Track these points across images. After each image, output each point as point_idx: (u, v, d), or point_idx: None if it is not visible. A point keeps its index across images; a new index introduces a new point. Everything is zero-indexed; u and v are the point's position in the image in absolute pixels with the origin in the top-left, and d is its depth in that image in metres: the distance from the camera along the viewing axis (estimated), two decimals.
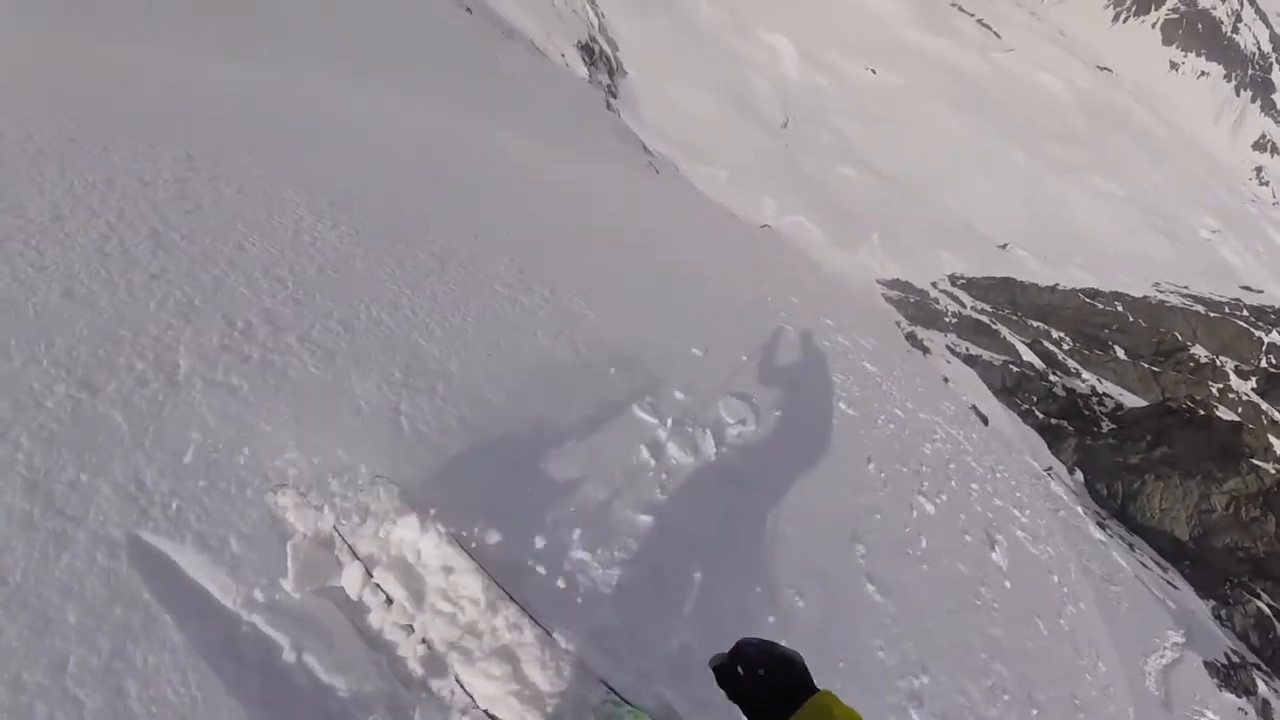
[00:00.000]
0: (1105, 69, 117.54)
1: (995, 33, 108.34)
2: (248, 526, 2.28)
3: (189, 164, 4.19)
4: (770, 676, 1.36)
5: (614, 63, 53.95)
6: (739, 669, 1.40)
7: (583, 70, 41.40)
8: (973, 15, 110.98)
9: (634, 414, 4.10)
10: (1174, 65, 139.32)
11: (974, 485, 7.36)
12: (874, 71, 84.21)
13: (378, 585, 2.31)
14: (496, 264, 4.95)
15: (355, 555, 2.35)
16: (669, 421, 4.18)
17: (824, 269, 29.11)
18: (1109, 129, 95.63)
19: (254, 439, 2.56)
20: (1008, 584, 5.76)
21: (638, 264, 7.58)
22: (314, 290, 3.50)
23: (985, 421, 16.23)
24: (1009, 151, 79.20)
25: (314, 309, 3.36)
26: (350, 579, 2.31)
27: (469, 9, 25.05)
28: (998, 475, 8.73)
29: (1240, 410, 28.15)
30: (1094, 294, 45.67)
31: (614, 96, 46.38)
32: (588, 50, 46.24)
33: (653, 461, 3.84)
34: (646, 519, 3.40)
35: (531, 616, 2.40)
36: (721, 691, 1.45)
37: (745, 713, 1.38)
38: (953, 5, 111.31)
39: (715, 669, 1.45)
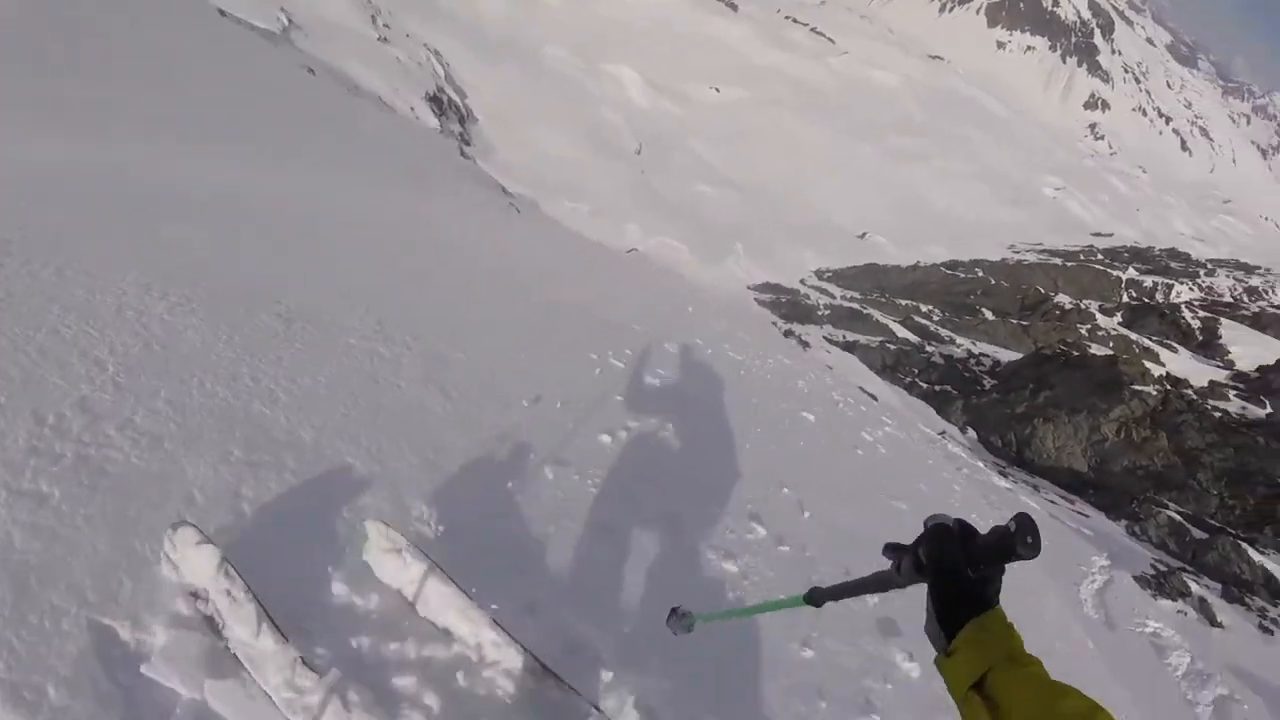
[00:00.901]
0: (937, 58, 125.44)
1: (829, 39, 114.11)
2: (67, 667, 1.85)
3: (3, 251, 3.70)
4: (990, 573, 1.21)
5: (464, 110, 53.82)
6: (965, 545, 1.22)
7: (433, 121, 41.08)
8: (806, 25, 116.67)
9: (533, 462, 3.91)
10: (1001, 45, 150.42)
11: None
12: (718, 90, 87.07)
13: (273, 623, 2.07)
14: (350, 318, 4.60)
15: (252, 595, 2.11)
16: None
17: (695, 281, 29.59)
18: (947, 113, 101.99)
19: (69, 554, 2.16)
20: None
21: (513, 299, 7.44)
22: (138, 370, 3.08)
23: (874, 399, 16.63)
24: (856, 148, 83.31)
25: (138, 390, 2.95)
26: (244, 618, 2.06)
27: (311, 70, 24.42)
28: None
29: (1112, 344, 29.96)
30: (954, 265, 48.30)
31: (467, 144, 46.19)
32: (436, 101, 45.98)
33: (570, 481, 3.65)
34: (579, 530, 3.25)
35: (504, 627, 2.30)
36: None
37: (940, 593, 1.21)
38: (786, 18, 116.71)
39: (935, 528, 1.26)
